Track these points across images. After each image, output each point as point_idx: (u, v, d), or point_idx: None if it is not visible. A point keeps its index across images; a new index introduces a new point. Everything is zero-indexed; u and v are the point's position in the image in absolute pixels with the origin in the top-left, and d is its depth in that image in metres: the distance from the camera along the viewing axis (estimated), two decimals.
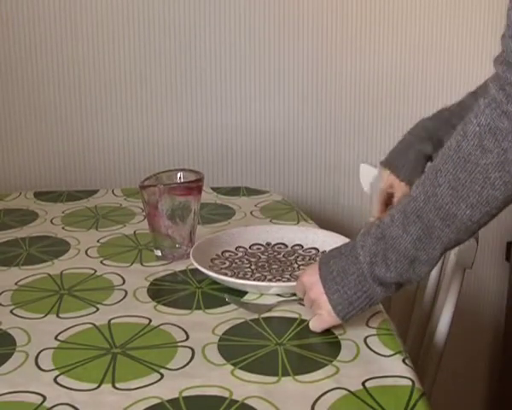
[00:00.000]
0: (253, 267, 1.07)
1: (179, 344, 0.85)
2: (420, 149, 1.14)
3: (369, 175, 1.36)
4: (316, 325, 0.87)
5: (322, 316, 0.86)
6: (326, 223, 1.73)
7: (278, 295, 0.98)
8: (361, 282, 0.83)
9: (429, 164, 0.81)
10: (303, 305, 0.94)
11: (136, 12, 1.59)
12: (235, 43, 1.63)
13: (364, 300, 0.84)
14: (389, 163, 1.18)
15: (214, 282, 1.02)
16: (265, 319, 0.91)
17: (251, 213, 1.35)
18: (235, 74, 1.65)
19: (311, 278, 0.87)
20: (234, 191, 1.50)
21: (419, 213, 0.79)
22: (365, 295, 0.83)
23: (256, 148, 1.70)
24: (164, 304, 0.96)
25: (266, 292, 0.98)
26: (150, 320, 0.91)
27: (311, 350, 0.83)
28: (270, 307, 0.94)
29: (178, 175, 1.16)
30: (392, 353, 0.82)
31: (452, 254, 1.14)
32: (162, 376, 0.78)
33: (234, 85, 1.66)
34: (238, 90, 1.66)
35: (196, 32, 1.62)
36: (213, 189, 1.52)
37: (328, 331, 0.88)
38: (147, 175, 1.14)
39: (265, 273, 1.05)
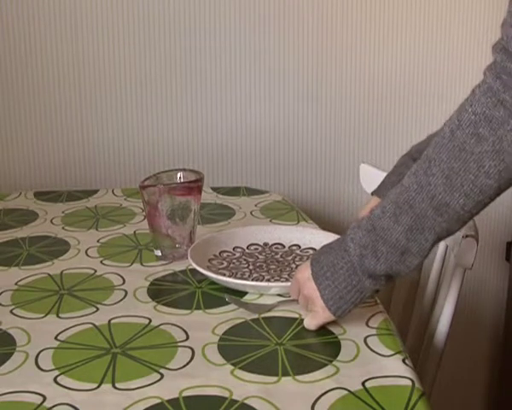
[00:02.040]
0: (250, 268, 1.07)
1: (179, 344, 0.85)
2: (402, 172, 1.14)
3: (370, 175, 1.36)
4: (310, 321, 0.87)
5: (316, 313, 0.86)
6: (326, 223, 1.74)
7: (278, 295, 0.98)
8: (350, 275, 0.83)
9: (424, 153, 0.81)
10: None
11: (136, 12, 1.59)
12: (236, 43, 1.63)
13: (355, 294, 0.84)
14: (375, 191, 1.17)
15: (214, 282, 1.02)
16: (265, 319, 0.92)
17: (251, 213, 1.35)
18: (236, 74, 1.65)
19: (304, 275, 0.87)
20: (234, 191, 1.51)
21: (411, 203, 0.78)
22: (355, 289, 0.83)
23: (256, 148, 1.70)
24: (164, 304, 0.96)
25: (266, 292, 0.98)
26: (150, 320, 0.91)
27: (311, 350, 0.83)
28: (270, 307, 0.94)
29: (178, 175, 1.16)
30: (392, 353, 0.82)
31: (452, 255, 1.14)
32: (162, 376, 0.78)
33: (234, 85, 1.66)
34: (238, 91, 1.66)
35: (196, 32, 1.62)
36: (213, 189, 1.52)
37: (328, 331, 0.88)
38: (147, 175, 1.15)
39: (263, 274, 1.05)
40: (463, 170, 0.74)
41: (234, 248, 1.13)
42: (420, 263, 0.82)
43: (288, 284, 0.98)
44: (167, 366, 0.80)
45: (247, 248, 1.14)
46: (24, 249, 1.17)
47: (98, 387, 0.76)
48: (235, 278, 1.02)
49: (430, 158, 0.77)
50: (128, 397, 0.74)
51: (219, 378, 0.77)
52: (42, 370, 0.80)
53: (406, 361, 0.81)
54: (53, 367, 0.80)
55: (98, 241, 1.21)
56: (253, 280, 1.02)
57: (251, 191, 1.51)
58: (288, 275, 1.04)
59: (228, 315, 0.93)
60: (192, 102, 1.66)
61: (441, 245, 1.13)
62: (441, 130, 0.78)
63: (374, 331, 0.88)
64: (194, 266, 1.02)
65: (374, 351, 0.83)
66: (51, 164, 1.65)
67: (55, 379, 0.77)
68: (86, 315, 0.93)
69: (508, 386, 1.86)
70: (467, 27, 1.71)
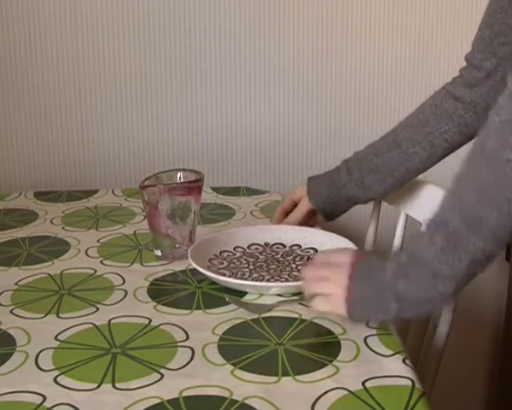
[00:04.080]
0: (251, 267, 1.07)
1: (179, 344, 0.85)
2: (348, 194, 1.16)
3: None
4: (322, 304, 0.85)
5: (332, 298, 0.83)
6: (326, 223, 1.73)
7: (278, 295, 0.98)
8: (381, 291, 0.80)
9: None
10: (303, 305, 0.94)
11: (136, 12, 1.59)
12: (236, 42, 1.63)
13: (378, 308, 0.81)
14: (314, 194, 1.18)
15: (214, 282, 1.02)
16: (265, 319, 0.91)
17: (251, 213, 1.35)
18: (236, 74, 1.65)
19: (345, 258, 0.84)
20: (234, 191, 1.51)
21: (444, 220, 0.76)
22: (381, 305, 0.81)
23: (256, 148, 1.70)
24: (164, 304, 0.96)
25: (266, 292, 0.98)
26: (150, 320, 0.91)
27: (311, 350, 0.83)
28: (270, 307, 0.94)
29: (178, 175, 1.16)
30: (392, 353, 0.82)
31: None
32: (162, 376, 0.78)
33: (234, 85, 1.66)
34: (238, 90, 1.66)
35: (196, 32, 1.62)
36: (213, 189, 1.52)
37: (328, 331, 0.88)
38: (147, 175, 1.15)
39: (263, 273, 1.05)
40: (493, 181, 0.71)
41: (234, 248, 1.13)
42: (454, 290, 0.77)
43: (288, 284, 0.98)
44: (167, 366, 0.80)
45: (248, 247, 1.14)
46: (24, 249, 1.17)
47: (98, 387, 0.76)
48: (235, 277, 1.02)
49: (463, 172, 0.75)
50: (128, 397, 0.74)
51: (219, 378, 0.77)
52: (42, 370, 0.80)
53: (406, 361, 0.81)
54: (53, 367, 0.80)
55: (98, 241, 1.21)
56: (253, 280, 1.02)
57: (251, 191, 1.51)
58: (288, 275, 1.04)
59: (228, 315, 0.93)
60: (192, 101, 1.66)
61: None
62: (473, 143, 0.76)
63: (374, 331, 0.88)
64: (195, 265, 1.02)
65: (374, 351, 0.83)
66: (51, 164, 1.65)
67: (55, 379, 0.77)
68: (86, 315, 0.93)
69: (508, 386, 1.86)
70: (467, 27, 1.71)
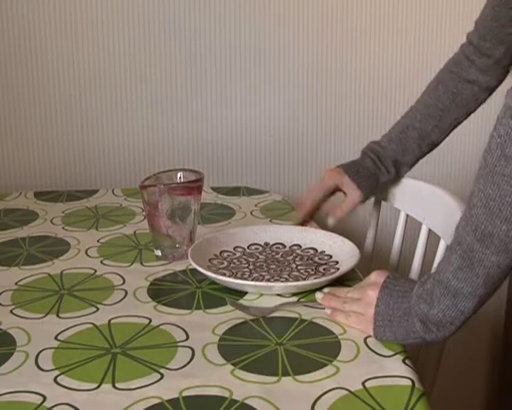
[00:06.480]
0: (251, 267, 1.07)
1: (179, 344, 0.85)
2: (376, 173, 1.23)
3: None
4: (352, 321, 0.88)
5: (363, 316, 0.87)
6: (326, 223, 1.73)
7: (278, 295, 0.98)
8: (405, 313, 0.83)
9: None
10: (305, 305, 0.94)
11: (136, 12, 1.59)
12: (236, 42, 1.63)
13: (405, 331, 0.83)
14: (366, 194, 1.23)
15: (214, 282, 1.02)
16: (265, 318, 0.91)
17: (251, 213, 1.35)
18: (236, 74, 1.65)
19: (379, 278, 0.88)
20: (234, 191, 1.51)
21: (459, 239, 0.78)
22: (406, 328, 0.83)
23: (256, 147, 1.70)
24: (164, 304, 0.96)
25: (266, 292, 0.98)
26: (150, 320, 0.91)
27: (311, 350, 0.83)
28: (271, 310, 0.94)
29: (178, 175, 1.16)
30: (392, 353, 0.82)
31: None
32: (162, 376, 0.78)
33: (234, 85, 1.66)
34: (238, 90, 1.66)
35: (196, 32, 1.62)
36: (213, 189, 1.52)
37: (328, 331, 0.88)
38: (147, 175, 1.15)
39: (263, 273, 1.05)
40: (499, 195, 0.73)
41: (234, 248, 1.13)
42: (475, 308, 0.79)
43: (288, 284, 0.98)
44: (167, 366, 0.80)
45: (248, 247, 1.14)
46: (24, 249, 1.17)
47: (98, 387, 0.76)
48: (236, 277, 1.02)
49: (472, 190, 0.77)
50: (128, 397, 0.74)
51: (219, 378, 0.77)
52: (42, 370, 0.80)
53: (406, 361, 0.81)
54: (53, 367, 0.80)
55: (98, 241, 1.21)
56: (253, 280, 1.02)
57: (251, 191, 1.51)
58: (288, 275, 1.04)
59: (228, 315, 0.93)
60: (192, 101, 1.66)
61: (442, 244, 1.13)
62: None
63: None
64: (195, 265, 1.02)
65: (374, 351, 0.83)
66: (51, 164, 1.65)
67: (55, 379, 0.77)
68: (86, 315, 0.93)
69: (508, 386, 1.86)
70: (468, 25, 1.71)
